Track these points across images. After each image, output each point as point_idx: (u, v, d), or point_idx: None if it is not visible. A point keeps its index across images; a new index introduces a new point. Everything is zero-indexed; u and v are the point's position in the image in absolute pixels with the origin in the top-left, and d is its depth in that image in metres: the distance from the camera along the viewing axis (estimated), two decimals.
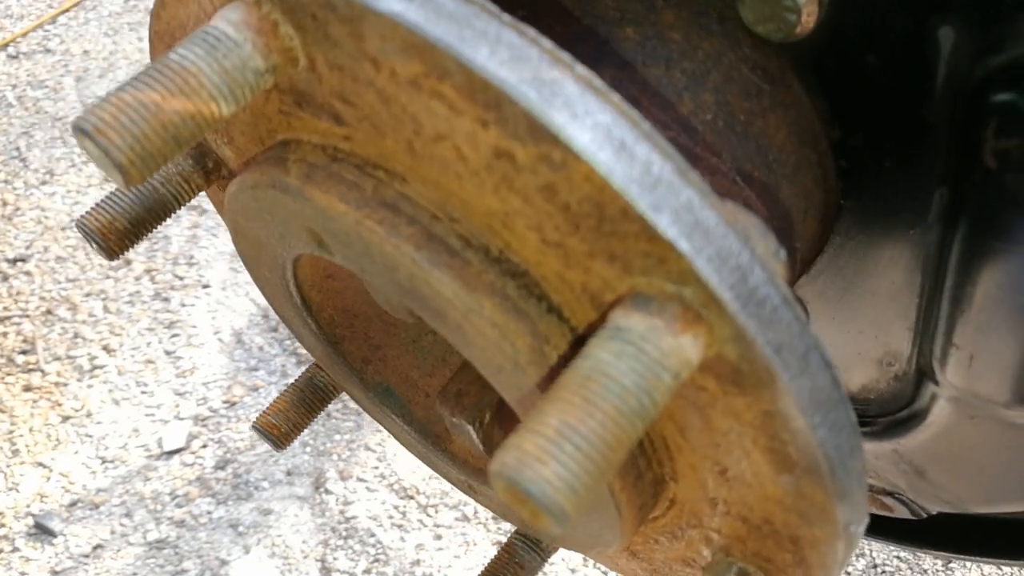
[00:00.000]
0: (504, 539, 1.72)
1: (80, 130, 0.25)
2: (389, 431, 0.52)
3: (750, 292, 0.23)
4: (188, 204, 2.07)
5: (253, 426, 0.52)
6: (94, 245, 0.42)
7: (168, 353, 1.97)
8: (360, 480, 1.71)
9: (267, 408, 0.51)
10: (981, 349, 0.36)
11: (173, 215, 0.45)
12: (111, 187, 2.31)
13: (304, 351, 1.91)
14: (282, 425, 0.51)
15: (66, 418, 1.90)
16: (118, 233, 0.42)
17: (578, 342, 0.28)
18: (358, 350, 0.47)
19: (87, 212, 0.42)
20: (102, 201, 0.42)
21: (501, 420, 0.43)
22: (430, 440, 0.47)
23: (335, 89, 0.29)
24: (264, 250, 0.39)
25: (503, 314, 0.28)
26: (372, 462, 1.74)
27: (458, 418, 0.42)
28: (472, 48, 0.24)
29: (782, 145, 0.34)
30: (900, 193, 0.35)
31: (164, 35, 0.35)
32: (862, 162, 0.36)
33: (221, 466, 1.78)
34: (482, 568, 0.51)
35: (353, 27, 0.26)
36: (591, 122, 0.23)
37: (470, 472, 0.46)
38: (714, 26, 0.34)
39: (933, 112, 0.32)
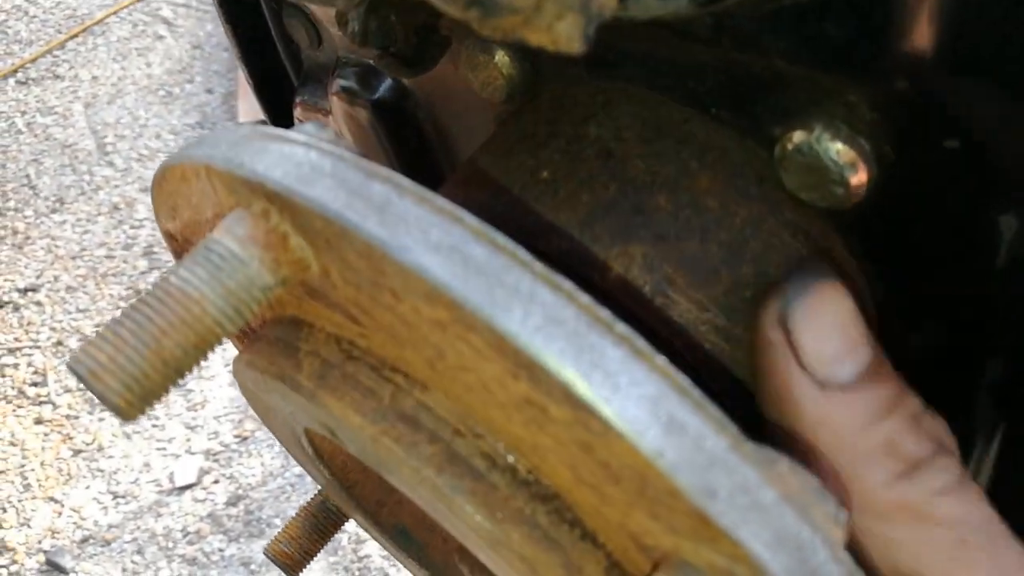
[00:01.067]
0: None
1: (76, 373, 0.24)
2: (407, 568, 0.50)
3: (811, 574, 0.21)
4: None
5: (265, 553, 0.50)
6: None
7: (179, 386, 1.96)
8: None
9: (279, 535, 0.50)
10: None
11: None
12: (120, 217, 2.31)
13: None
14: (294, 553, 0.49)
15: (77, 452, 1.89)
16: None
17: (613, 567, 0.26)
18: (372, 493, 0.45)
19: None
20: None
21: None
22: None
23: (351, 298, 0.27)
24: (274, 413, 0.37)
25: (532, 545, 0.26)
26: None
27: None
28: (504, 310, 0.22)
29: None
30: (951, 355, 0.34)
31: (167, 202, 0.33)
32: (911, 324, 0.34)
33: (233, 502, 1.76)
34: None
35: (372, 263, 0.24)
36: (636, 394, 0.21)
37: None
38: (752, 189, 0.32)
39: (992, 288, 0.30)
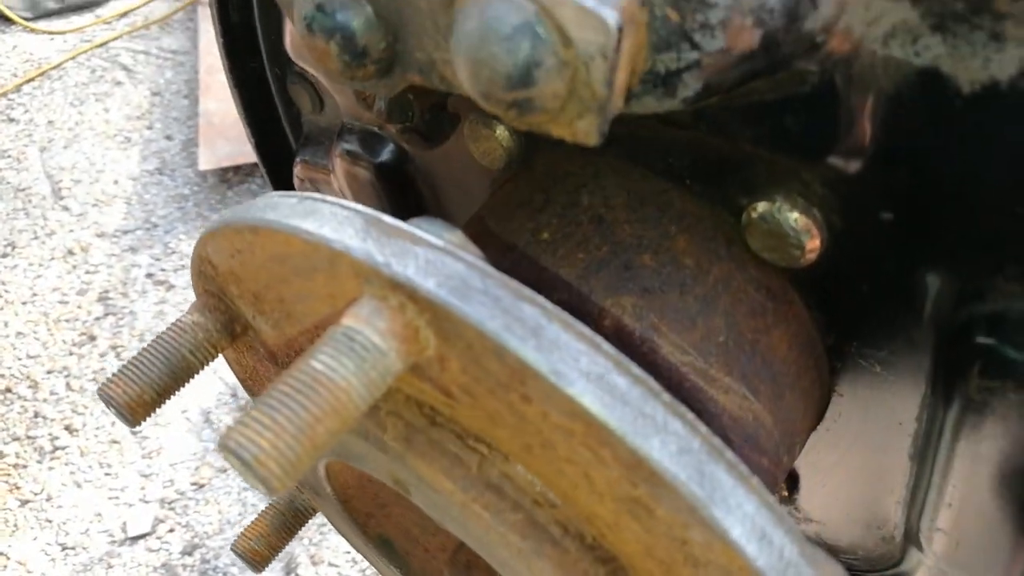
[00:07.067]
0: None
1: (237, 456, 0.25)
2: (379, 570, 0.53)
3: None
4: (157, 280, 2.01)
5: (232, 549, 0.52)
6: (117, 415, 0.39)
7: (134, 433, 1.94)
8: (332, 565, 1.69)
9: (245, 531, 0.51)
10: (965, 539, 0.39)
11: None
12: (74, 262, 2.29)
13: None
14: (263, 550, 0.50)
15: (25, 502, 1.84)
16: (145, 405, 0.39)
17: None
18: (364, 507, 0.49)
19: (111, 380, 0.39)
20: (128, 370, 0.39)
21: None
22: None
23: (460, 383, 0.29)
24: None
25: None
26: (344, 547, 1.72)
27: None
28: (644, 438, 0.26)
29: (784, 357, 0.38)
30: (889, 392, 0.39)
31: (244, 258, 0.34)
32: (855, 365, 0.39)
33: (188, 551, 1.74)
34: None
35: (514, 374, 0.27)
36: (741, 514, 0.26)
37: None
38: (722, 250, 0.37)
39: (921, 338, 0.36)
